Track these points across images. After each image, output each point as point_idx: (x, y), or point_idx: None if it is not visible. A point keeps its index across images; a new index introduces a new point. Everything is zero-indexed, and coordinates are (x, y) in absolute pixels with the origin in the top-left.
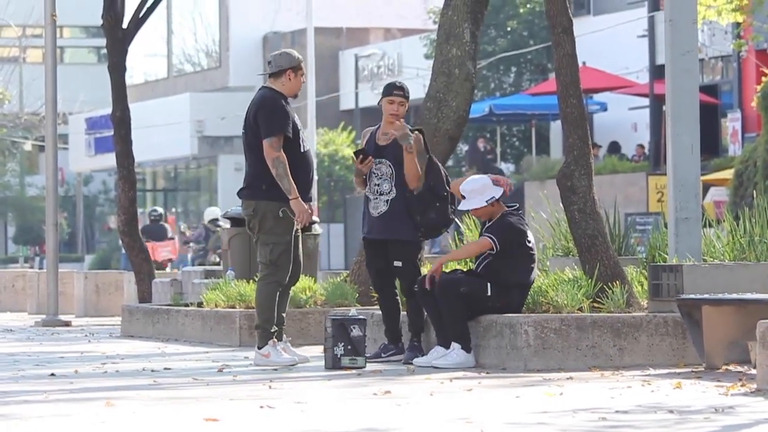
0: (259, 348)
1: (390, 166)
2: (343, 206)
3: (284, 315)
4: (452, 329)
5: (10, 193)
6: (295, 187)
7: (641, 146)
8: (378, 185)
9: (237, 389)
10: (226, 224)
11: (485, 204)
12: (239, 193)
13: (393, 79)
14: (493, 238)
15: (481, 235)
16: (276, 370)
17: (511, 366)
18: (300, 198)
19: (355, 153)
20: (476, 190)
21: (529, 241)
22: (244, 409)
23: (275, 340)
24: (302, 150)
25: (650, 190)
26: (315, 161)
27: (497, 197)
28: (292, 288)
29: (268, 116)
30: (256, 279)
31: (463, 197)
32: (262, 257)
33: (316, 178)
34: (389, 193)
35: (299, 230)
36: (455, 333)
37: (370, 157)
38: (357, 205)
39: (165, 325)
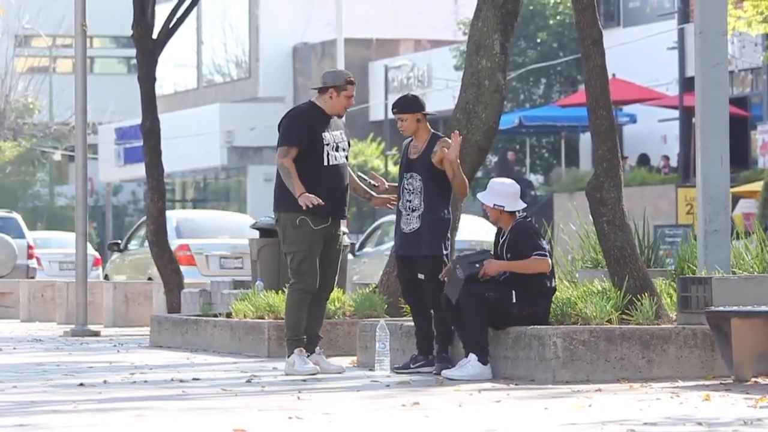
0: (288, 357)
1: (420, 180)
2: (373, 217)
3: (318, 330)
4: (471, 339)
5: (40, 203)
6: (300, 184)
7: (666, 157)
8: (410, 201)
9: (266, 400)
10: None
11: (491, 205)
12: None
13: (423, 91)
14: (543, 253)
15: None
16: (305, 380)
17: (539, 378)
18: (306, 193)
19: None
20: (497, 191)
21: (543, 247)
22: (272, 419)
23: (302, 348)
24: (326, 163)
25: (679, 202)
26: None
27: (506, 208)
28: None
29: (284, 127)
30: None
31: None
32: (288, 266)
33: None
34: (420, 208)
35: (338, 242)
36: (473, 343)
37: (378, 185)
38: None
39: (194, 335)
